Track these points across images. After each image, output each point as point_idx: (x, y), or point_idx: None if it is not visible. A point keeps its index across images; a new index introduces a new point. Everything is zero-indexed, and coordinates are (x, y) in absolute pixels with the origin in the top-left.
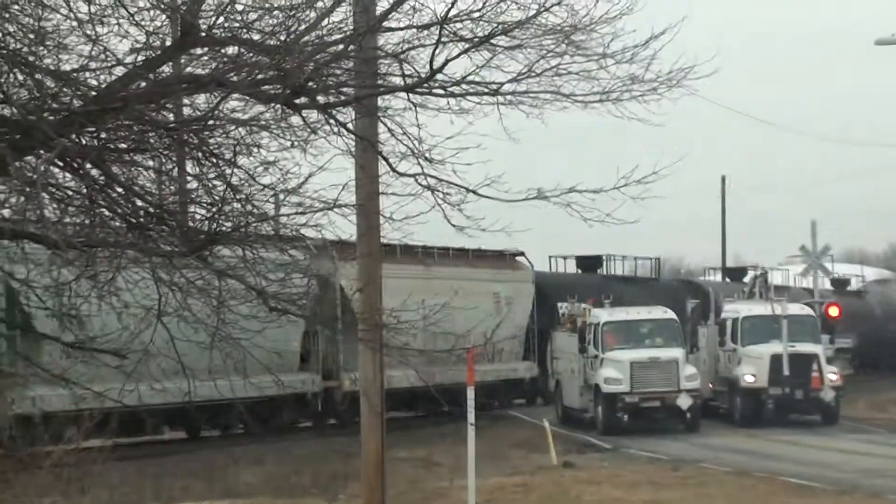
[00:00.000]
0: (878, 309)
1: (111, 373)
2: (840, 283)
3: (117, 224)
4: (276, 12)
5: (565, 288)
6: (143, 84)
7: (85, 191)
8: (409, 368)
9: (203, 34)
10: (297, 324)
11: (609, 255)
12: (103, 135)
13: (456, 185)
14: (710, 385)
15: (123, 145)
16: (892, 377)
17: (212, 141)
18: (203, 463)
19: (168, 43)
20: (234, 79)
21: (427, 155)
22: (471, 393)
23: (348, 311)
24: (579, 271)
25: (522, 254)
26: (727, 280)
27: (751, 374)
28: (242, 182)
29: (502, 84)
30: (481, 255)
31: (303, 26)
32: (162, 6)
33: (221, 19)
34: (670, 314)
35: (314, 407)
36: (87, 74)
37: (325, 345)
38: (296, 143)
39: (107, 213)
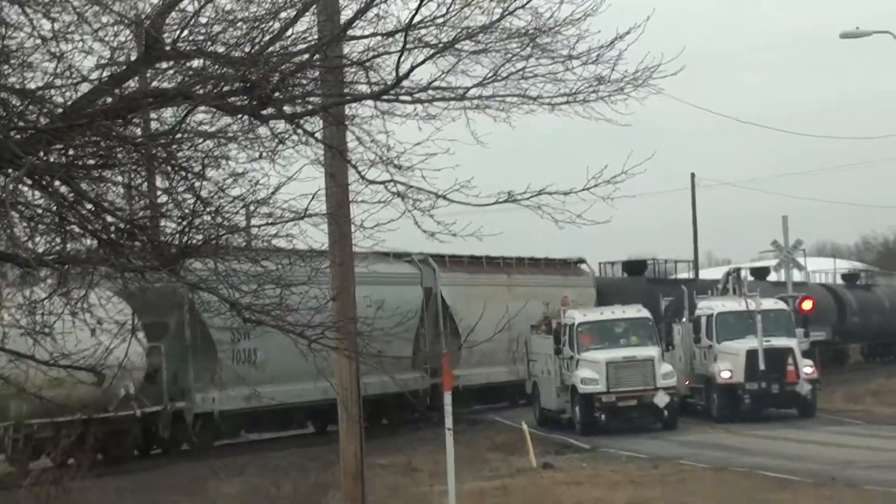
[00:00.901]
0: (887, 301)
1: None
2: (851, 278)
3: (88, 240)
4: (239, 24)
5: (618, 290)
6: (110, 100)
7: (55, 208)
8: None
9: (167, 48)
10: (410, 330)
11: (653, 258)
12: (71, 152)
13: (426, 190)
14: (687, 382)
15: (91, 161)
16: None
17: (180, 154)
18: (183, 475)
19: (133, 58)
20: (200, 91)
21: (396, 162)
22: (448, 398)
23: (447, 317)
24: (625, 275)
25: (584, 261)
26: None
27: (727, 369)
28: (212, 194)
29: (468, 89)
30: (551, 263)
31: (267, 37)
32: (125, 21)
33: (185, 32)
34: (644, 312)
35: (423, 402)
36: (53, 92)
37: (429, 346)
38: (264, 153)
39: (77, 229)
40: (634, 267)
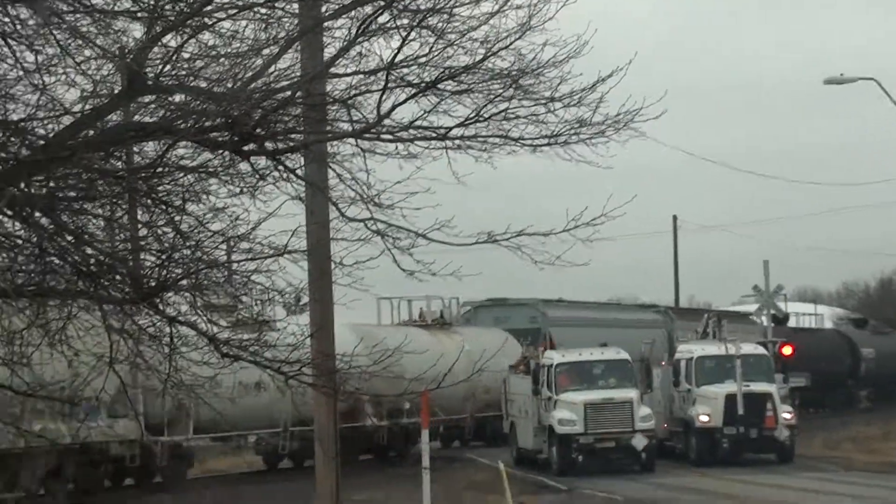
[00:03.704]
0: None
1: None
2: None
3: (68, 272)
4: (222, 60)
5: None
6: (92, 132)
7: (35, 239)
8: None
9: (150, 82)
10: None
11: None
12: (52, 183)
13: (405, 229)
14: (665, 425)
15: (73, 194)
16: None
17: (161, 188)
18: None
19: (115, 91)
20: (182, 126)
21: (376, 200)
22: (425, 437)
23: None
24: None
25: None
26: None
27: (705, 413)
28: (192, 229)
29: (450, 129)
30: (744, 315)
31: (250, 73)
32: (109, 55)
33: (168, 67)
34: (623, 354)
35: None
36: (35, 123)
37: None
38: (245, 189)
39: (57, 261)
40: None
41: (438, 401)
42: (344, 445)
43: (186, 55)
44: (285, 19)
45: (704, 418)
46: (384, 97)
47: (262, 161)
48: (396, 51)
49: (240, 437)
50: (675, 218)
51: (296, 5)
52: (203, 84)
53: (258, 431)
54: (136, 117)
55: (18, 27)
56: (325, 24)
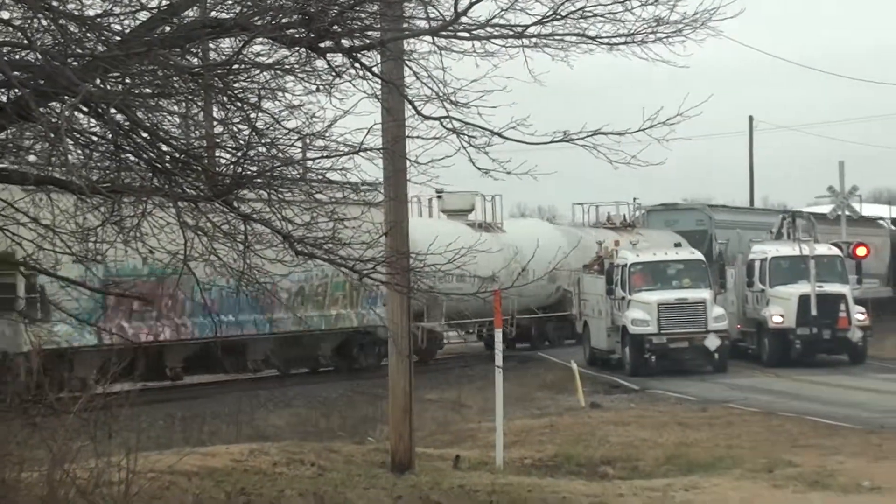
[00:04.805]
0: None
1: None
2: None
3: (142, 169)
4: None
5: None
6: (167, 29)
7: (110, 136)
8: None
9: None
10: None
11: None
12: (128, 80)
13: (481, 127)
14: (738, 326)
15: (148, 90)
16: None
17: (236, 85)
18: (231, 406)
19: None
20: (259, 22)
21: (452, 98)
22: (498, 336)
23: None
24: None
25: (882, 218)
26: None
27: (778, 314)
28: (268, 126)
29: (527, 27)
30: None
31: None
32: None
33: None
34: (697, 255)
35: None
36: (111, 19)
37: None
38: (321, 86)
39: (132, 158)
40: None
41: None
42: (553, 332)
43: None
44: None
45: (778, 319)
46: None
47: (338, 58)
48: None
49: (473, 323)
50: (750, 118)
51: None
52: None
53: (490, 318)
54: (213, 13)
55: None
56: None
